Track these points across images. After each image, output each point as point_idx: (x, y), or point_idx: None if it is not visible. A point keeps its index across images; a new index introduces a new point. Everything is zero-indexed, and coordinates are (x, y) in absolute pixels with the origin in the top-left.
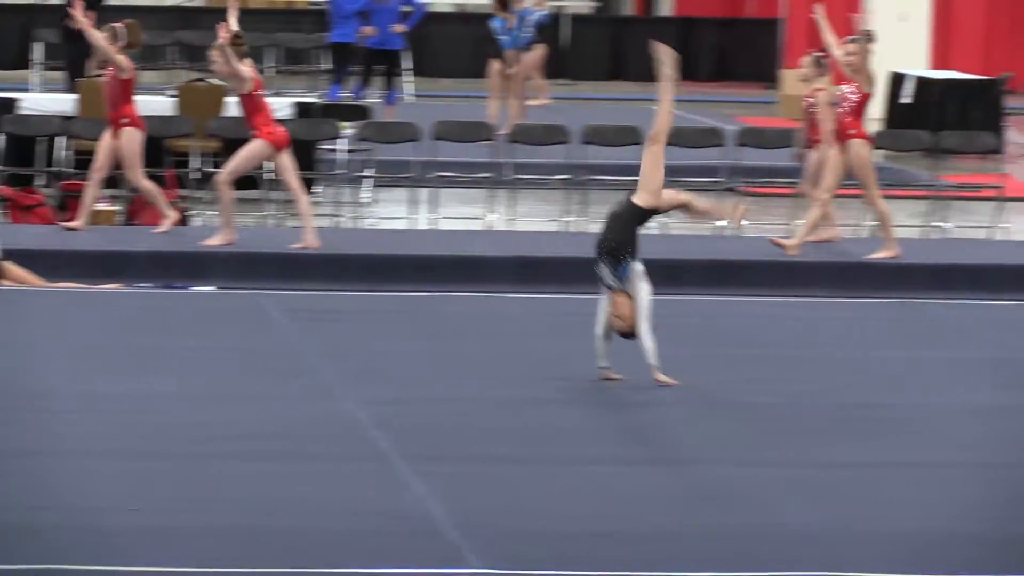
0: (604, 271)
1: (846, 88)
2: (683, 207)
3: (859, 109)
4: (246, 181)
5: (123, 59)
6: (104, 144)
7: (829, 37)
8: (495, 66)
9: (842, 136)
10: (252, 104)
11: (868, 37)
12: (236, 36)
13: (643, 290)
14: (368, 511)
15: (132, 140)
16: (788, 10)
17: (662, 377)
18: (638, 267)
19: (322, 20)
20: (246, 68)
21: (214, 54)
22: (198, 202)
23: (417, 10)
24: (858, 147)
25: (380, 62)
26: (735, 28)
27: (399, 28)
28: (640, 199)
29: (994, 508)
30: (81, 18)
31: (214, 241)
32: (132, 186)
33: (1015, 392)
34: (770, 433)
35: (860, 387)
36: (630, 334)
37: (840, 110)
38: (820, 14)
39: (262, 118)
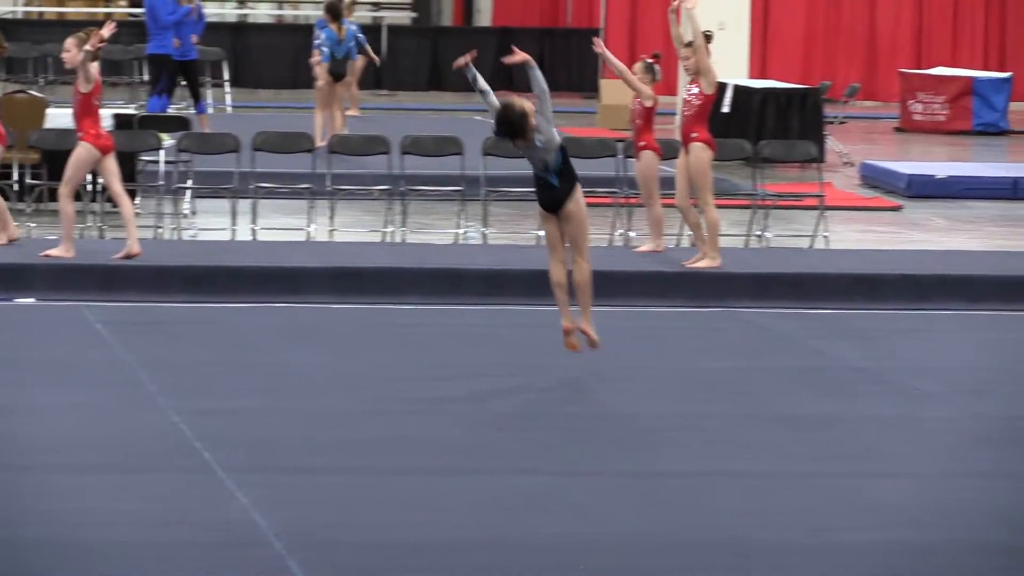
0: None
1: (690, 90)
2: None
3: (702, 112)
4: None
5: None
6: None
7: (676, 31)
8: (323, 77)
9: (684, 139)
10: (86, 106)
11: (707, 38)
12: (100, 39)
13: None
14: (193, 522)
15: None
16: (606, 20)
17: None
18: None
19: (141, 32)
20: (94, 69)
21: (70, 43)
22: (19, 214)
23: (201, 19)
24: (698, 151)
25: (181, 73)
26: (554, 38)
27: (195, 39)
28: None
29: (816, 516)
30: None
31: (55, 252)
32: None
33: (834, 400)
34: (592, 443)
35: (682, 396)
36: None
37: (685, 113)
38: (674, 8)
39: (90, 122)
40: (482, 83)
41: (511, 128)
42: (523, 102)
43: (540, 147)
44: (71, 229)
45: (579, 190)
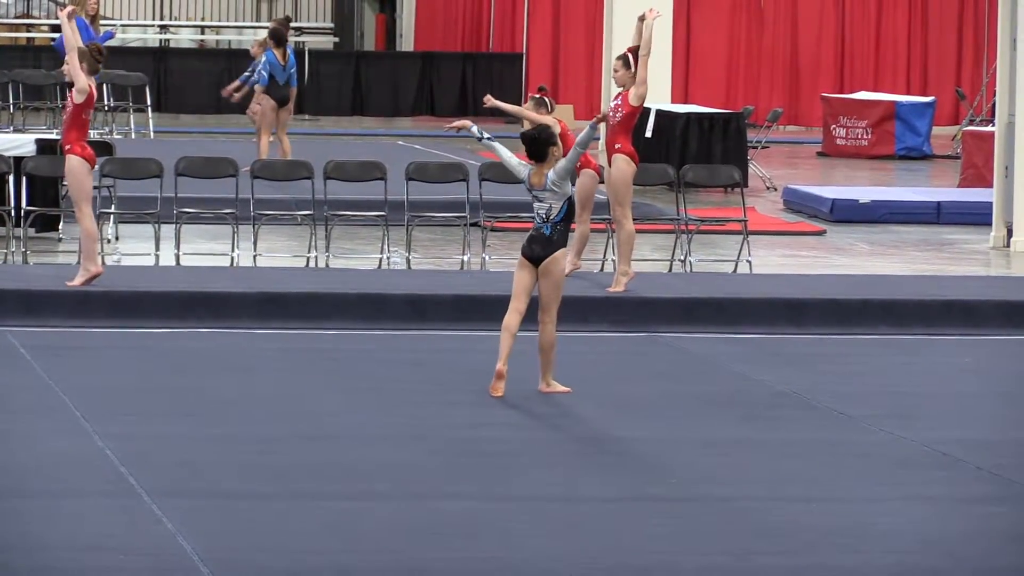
0: None
1: (615, 101)
2: None
3: (626, 123)
4: None
5: None
6: None
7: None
8: (269, 102)
9: (608, 151)
10: (77, 118)
11: (641, 51)
12: (99, 51)
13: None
14: (120, 547)
15: None
16: (528, 45)
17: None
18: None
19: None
20: (86, 80)
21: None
22: None
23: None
24: (620, 163)
25: None
26: (476, 63)
27: None
28: None
29: (738, 540)
30: None
31: (78, 280)
32: None
33: (757, 425)
34: (517, 467)
35: (604, 421)
36: None
37: (609, 123)
38: (651, 18)
39: (76, 135)
40: (488, 138)
41: (534, 143)
42: (555, 132)
43: (550, 185)
44: (95, 247)
45: (565, 253)
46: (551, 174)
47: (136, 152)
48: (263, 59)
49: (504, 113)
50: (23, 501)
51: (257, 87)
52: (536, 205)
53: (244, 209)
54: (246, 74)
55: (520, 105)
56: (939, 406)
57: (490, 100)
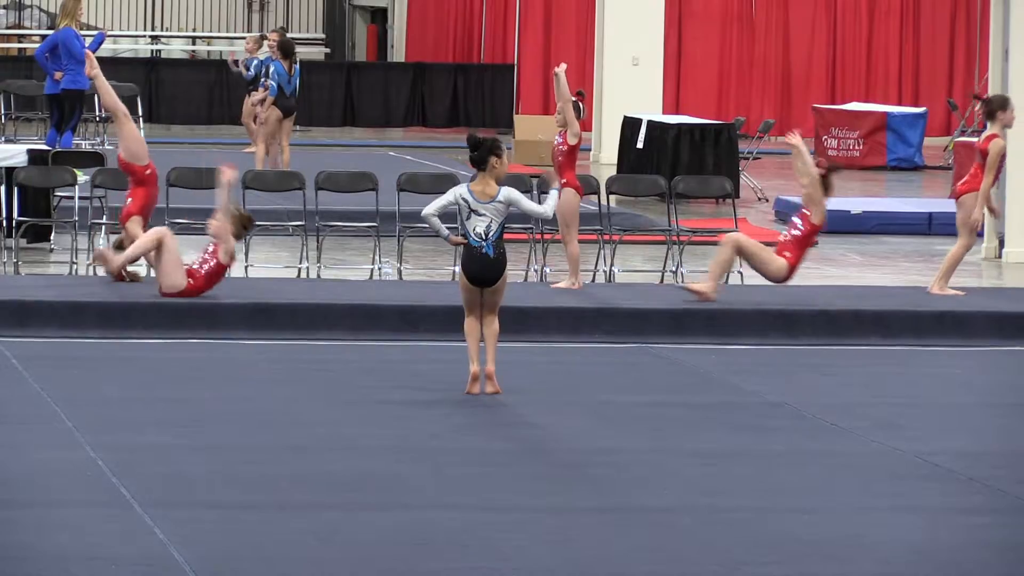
0: None
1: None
2: None
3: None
4: None
5: None
6: None
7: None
8: (274, 113)
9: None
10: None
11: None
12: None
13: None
14: (111, 557)
15: None
16: (519, 57)
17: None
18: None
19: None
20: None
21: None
22: None
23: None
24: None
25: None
26: (468, 74)
27: (59, 75)
28: None
29: (729, 551)
30: None
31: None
32: None
33: (748, 435)
34: (508, 478)
35: (596, 432)
36: None
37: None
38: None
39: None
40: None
41: (479, 147)
42: (500, 145)
43: (500, 199)
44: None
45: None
46: (506, 193)
47: None
48: (271, 68)
49: (500, 124)
50: (15, 511)
51: (257, 94)
52: (474, 220)
53: None
54: (256, 79)
55: (515, 113)
56: (931, 417)
57: (562, 67)
